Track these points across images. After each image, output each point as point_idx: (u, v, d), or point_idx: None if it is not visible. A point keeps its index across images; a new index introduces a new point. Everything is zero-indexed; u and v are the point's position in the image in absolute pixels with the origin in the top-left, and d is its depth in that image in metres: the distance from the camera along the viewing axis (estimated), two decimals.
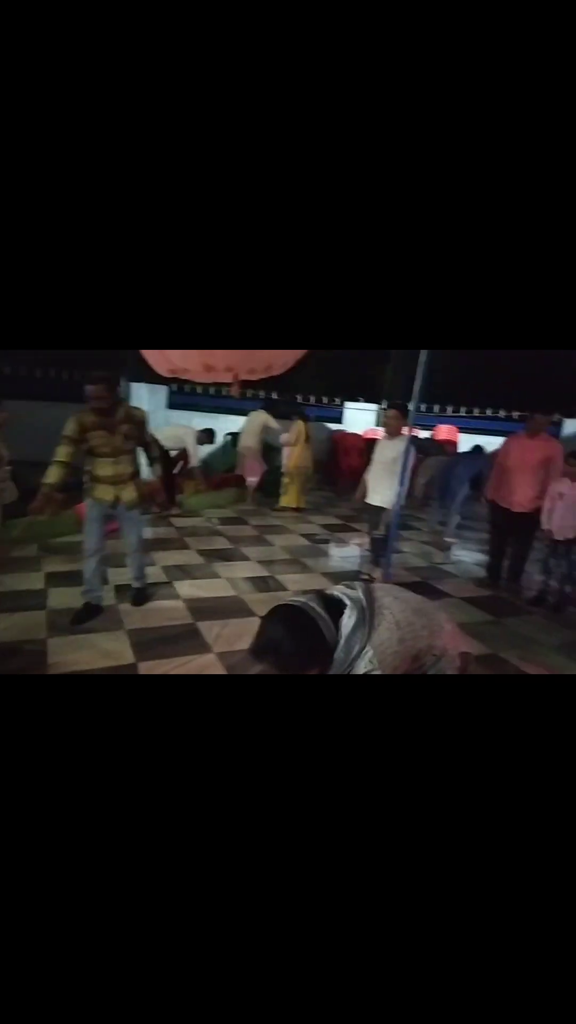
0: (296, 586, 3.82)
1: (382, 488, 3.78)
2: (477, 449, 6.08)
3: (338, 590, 1.10)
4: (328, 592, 1.09)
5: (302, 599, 1.05)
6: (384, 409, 8.75)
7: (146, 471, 3.21)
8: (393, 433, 3.75)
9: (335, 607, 1.07)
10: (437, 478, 5.74)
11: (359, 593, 1.10)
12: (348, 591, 1.10)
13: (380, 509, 3.79)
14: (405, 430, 3.56)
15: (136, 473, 3.00)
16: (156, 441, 3.17)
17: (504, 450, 4.03)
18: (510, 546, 4.11)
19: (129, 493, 2.95)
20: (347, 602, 1.07)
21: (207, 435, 5.81)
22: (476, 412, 8.56)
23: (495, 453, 4.28)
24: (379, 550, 3.85)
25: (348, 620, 1.06)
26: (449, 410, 8.71)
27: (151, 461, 3.15)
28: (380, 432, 3.98)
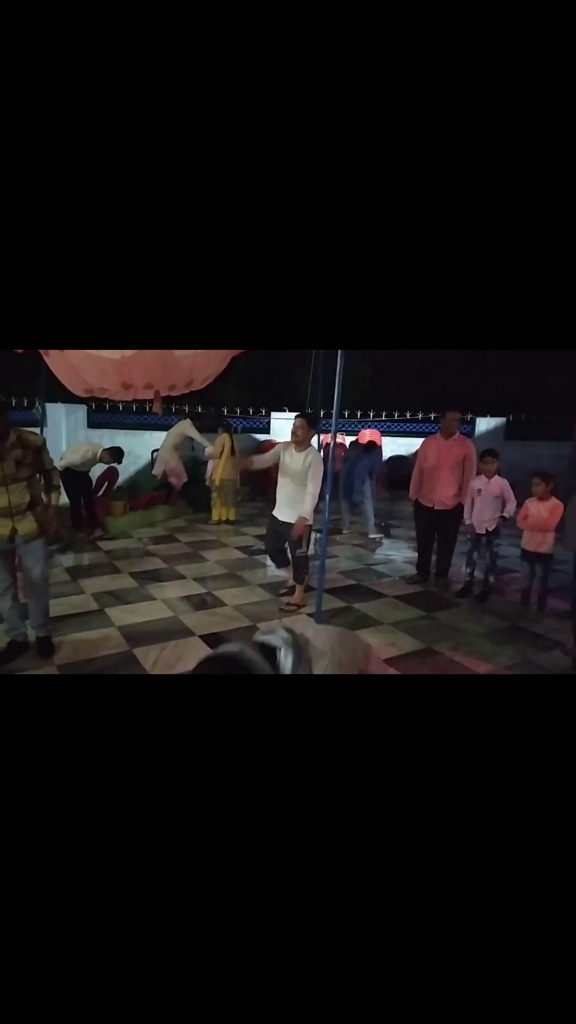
0: (235, 600, 3.79)
1: (292, 502, 3.49)
2: (371, 446, 6.31)
3: (261, 636, 1.11)
4: (255, 639, 1.10)
5: (234, 647, 1.05)
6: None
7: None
8: (301, 443, 3.48)
9: (268, 651, 1.08)
10: (341, 477, 5.89)
11: (284, 633, 1.11)
12: (272, 635, 1.11)
13: (291, 525, 3.47)
14: (327, 438, 3.63)
15: (36, 502, 2.78)
16: (55, 469, 2.93)
17: (423, 452, 4.21)
18: (436, 542, 4.30)
19: (27, 525, 2.72)
20: (278, 643, 1.08)
21: (114, 454, 5.45)
22: (396, 416, 8.94)
23: (413, 455, 4.48)
24: (303, 569, 3.66)
25: (285, 660, 1.07)
26: (371, 415, 9.04)
27: (48, 489, 2.90)
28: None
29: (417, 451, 4.38)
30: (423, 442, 4.32)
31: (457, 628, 3.46)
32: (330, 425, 3.39)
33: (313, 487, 3.36)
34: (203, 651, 2.98)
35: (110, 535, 5.43)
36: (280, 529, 3.60)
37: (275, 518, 3.65)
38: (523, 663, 3.00)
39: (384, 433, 8.81)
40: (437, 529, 4.22)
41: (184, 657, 2.88)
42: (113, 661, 2.85)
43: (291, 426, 3.53)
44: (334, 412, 3.19)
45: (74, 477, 5.14)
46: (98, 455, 5.25)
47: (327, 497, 3.47)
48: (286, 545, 3.65)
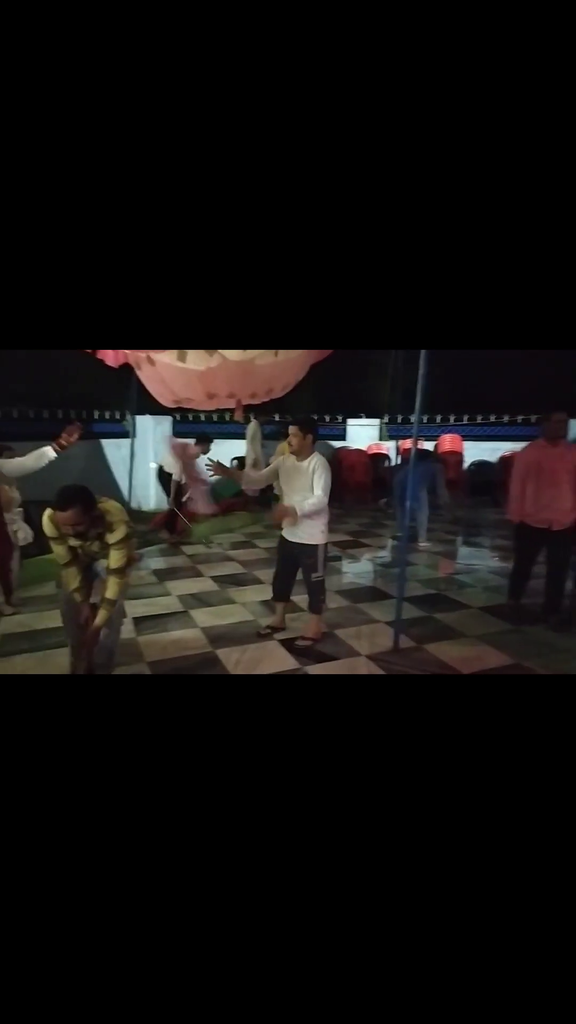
0: None
1: (301, 521, 2.96)
2: (424, 453, 6.04)
3: None
4: None
5: None
6: (385, 423, 8.80)
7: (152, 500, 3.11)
8: (299, 452, 2.99)
9: None
10: (396, 485, 5.70)
11: None
12: None
13: (304, 547, 3.02)
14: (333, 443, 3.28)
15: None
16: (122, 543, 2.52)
17: (525, 462, 3.48)
18: (549, 568, 3.52)
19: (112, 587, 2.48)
20: None
21: (201, 441, 5.56)
22: (479, 419, 8.59)
23: (501, 461, 4.13)
24: (318, 596, 3.14)
25: None
26: (451, 419, 8.75)
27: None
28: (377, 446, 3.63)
29: (512, 460, 3.73)
30: (522, 450, 3.61)
31: (549, 644, 3.25)
32: (408, 431, 3.30)
33: (321, 491, 2.93)
34: (282, 655, 3.02)
35: (192, 540, 5.66)
36: (292, 552, 3.10)
37: (284, 540, 3.15)
38: None
39: (465, 437, 8.50)
40: (548, 553, 3.48)
41: (264, 660, 2.94)
42: (198, 660, 2.96)
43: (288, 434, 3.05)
44: (415, 417, 3.11)
45: (167, 478, 5.42)
46: (187, 451, 5.44)
47: (407, 504, 3.40)
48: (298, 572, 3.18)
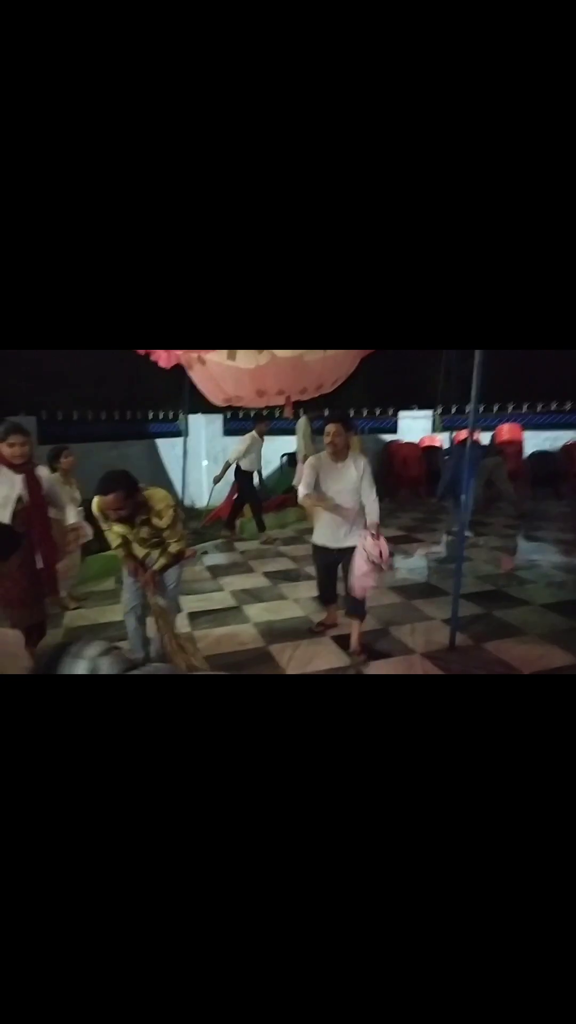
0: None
1: (341, 523, 2.82)
2: (477, 446, 5.75)
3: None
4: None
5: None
6: (439, 415, 8.56)
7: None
8: (340, 454, 2.79)
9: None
10: (447, 476, 5.44)
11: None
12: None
13: (348, 550, 2.81)
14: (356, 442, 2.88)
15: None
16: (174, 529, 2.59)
17: None
18: None
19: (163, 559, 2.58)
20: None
21: (262, 421, 5.58)
22: (539, 408, 8.20)
23: (564, 451, 3.90)
24: (360, 603, 2.93)
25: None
26: (509, 408, 8.39)
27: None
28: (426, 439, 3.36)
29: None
30: None
31: None
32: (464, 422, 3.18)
33: (375, 494, 2.80)
34: (334, 651, 3.00)
35: (243, 536, 5.73)
36: (334, 559, 2.95)
37: (322, 549, 2.97)
38: None
39: (525, 427, 8.13)
40: None
41: (316, 657, 2.93)
42: (251, 656, 2.99)
43: (325, 433, 2.80)
44: (471, 407, 2.99)
45: (239, 475, 5.45)
46: (253, 439, 5.39)
47: (465, 496, 3.28)
48: (340, 578, 3.01)
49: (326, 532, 2.93)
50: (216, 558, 5.05)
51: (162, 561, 2.57)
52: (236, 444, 5.53)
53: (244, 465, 5.40)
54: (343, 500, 2.79)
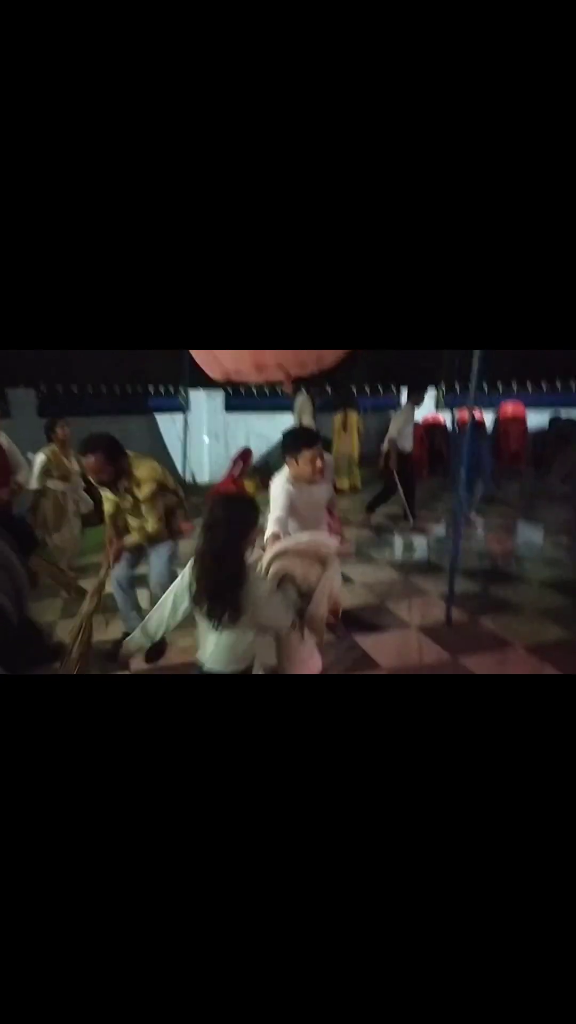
0: (363, 578, 3.78)
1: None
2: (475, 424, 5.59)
3: None
4: None
5: None
6: (443, 392, 8.46)
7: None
8: (311, 480, 2.22)
9: None
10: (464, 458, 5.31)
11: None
12: None
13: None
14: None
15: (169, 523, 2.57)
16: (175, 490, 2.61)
17: None
18: None
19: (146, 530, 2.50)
20: None
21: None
22: (544, 385, 8.08)
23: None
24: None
25: None
26: (514, 387, 8.28)
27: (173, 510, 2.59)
28: (432, 419, 2.99)
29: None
30: None
31: None
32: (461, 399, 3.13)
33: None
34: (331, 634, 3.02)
35: None
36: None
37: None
38: None
39: (529, 405, 8.03)
40: None
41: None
42: None
43: (303, 459, 2.17)
44: (472, 385, 2.95)
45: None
46: (406, 419, 4.80)
47: (463, 479, 3.27)
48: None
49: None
50: None
51: (132, 537, 2.47)
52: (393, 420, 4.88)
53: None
54: (317, 523, 2.31)
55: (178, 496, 2.66)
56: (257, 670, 1.59)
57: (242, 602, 1.39)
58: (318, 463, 2.18)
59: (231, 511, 1.45)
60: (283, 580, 1.57)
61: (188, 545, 3.81)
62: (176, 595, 1.52)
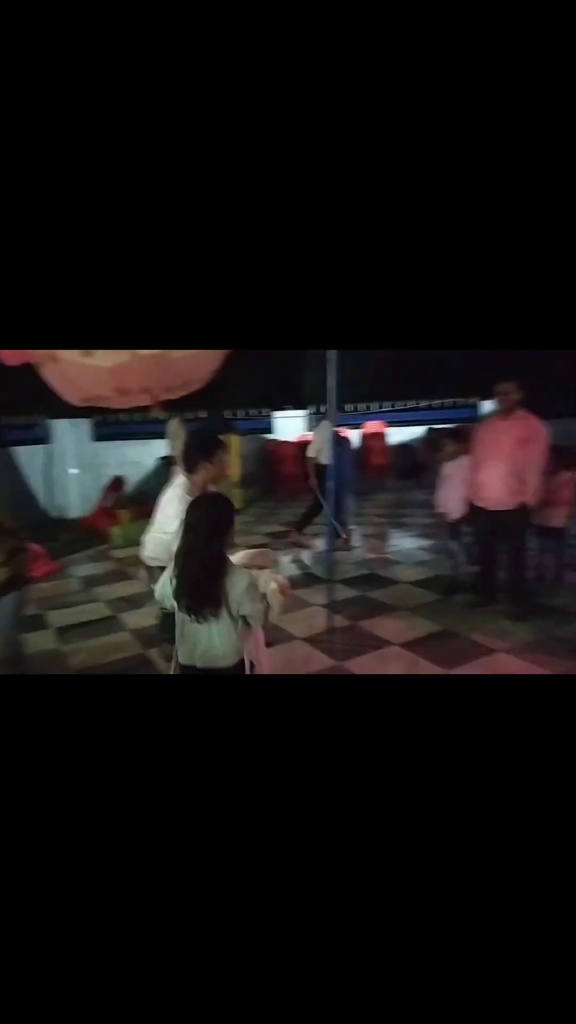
0: None
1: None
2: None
3: None
4: None
5: None
6: (312, 414, 8.90)
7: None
8: (218, 482, 2.37)
9: None
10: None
11: None
12: None
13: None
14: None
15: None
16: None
17: (474, 439, 3.34)
18: (500, 553, 3.32)
19: None
20: None
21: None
22: (396, 406, 8.86)
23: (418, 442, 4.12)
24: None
25: None
26: (380, 407, 8.97)
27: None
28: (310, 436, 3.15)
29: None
30: (477, 428, 3.44)
31: (474, 608, 3.40)
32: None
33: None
34: None
35: (119, 544, 5.45)
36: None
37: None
38: (543, 639, 2.94)
39: (389, 424, 8.74)
40: (498, 537, 3.26)
41: None
42: (130, 664, 2.85)
43: (218, 460, 2.27)
44: (329, 406, 3.14)
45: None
46: (324, 437, 4.55)
47: (331, 496, 3.45)
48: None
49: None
50: (88, 568, 4.74)
51: None
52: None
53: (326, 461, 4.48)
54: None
55: (18, 537, 2.42)
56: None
57: (223, 596, 1.49)
58: (220, 465, 2.27)
59: (209, 511, 1.56)
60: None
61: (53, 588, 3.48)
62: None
